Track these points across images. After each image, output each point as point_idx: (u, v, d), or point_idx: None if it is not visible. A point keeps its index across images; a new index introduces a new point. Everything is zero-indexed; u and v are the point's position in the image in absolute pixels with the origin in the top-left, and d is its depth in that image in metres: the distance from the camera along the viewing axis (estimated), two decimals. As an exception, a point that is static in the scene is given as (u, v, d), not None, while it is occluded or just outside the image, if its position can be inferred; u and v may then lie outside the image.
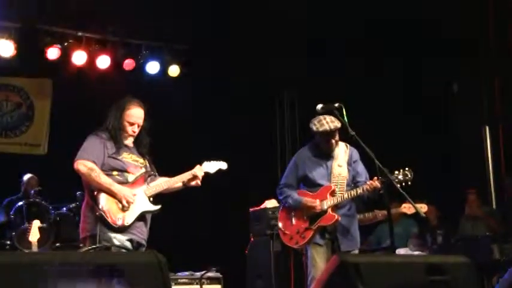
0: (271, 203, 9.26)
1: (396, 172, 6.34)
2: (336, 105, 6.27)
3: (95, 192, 5.79)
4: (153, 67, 10.79)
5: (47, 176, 9.01)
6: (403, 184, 6.29)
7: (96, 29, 10.35)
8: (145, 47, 10.77)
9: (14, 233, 8.01)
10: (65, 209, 8.77)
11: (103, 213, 5.71)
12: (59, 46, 10.04)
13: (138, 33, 10.53)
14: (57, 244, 8.41)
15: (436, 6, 9.46)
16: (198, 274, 8.26)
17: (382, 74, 10.33)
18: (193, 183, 6.18)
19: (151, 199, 5.96)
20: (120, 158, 5.91)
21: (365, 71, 10.29)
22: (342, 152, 6.83)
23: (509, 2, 9.80)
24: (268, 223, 8.93)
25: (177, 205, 9.45)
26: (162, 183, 6.04)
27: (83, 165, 5.80)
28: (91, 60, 10.35)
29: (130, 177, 5.93)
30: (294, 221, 6.83)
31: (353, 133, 6.15)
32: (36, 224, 7.36)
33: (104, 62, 10.40)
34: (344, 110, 6.22)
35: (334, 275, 3.48)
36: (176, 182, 6.13)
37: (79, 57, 10.25)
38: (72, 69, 10.30)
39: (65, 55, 10.16)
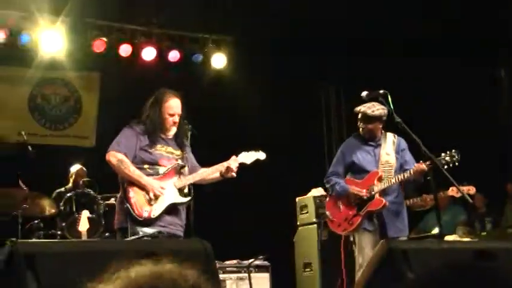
0: (317, 191, 9.26)
1: (443, 154, 6.33)
2: (381, 91, 6.26)
3: (125, 185, 5.87)
4: (198, 58, 10.80)
5: (95, 167, 9.09)
6: (450, 165, 6.27)
7: (141, 21, 10.40)
8: (190, 39, 10.79)
9: (64, 224, 8.11)
10: (113, 199, 8.84)
11: (129, 206, 5.77)
12: (105, 39, 10.12)
13: (183, 24, 10.55)
14: (106, 234, 8.50)
15: None
16: (245, 262, 8.29)
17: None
18: (228, 175, 6.14)
19: (184, 191, 5.98)
20: (151, 150, 5.95)
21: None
22: (390, 141, 6.85)
23: None
24: (315, 211, 8.94)
25: (225, 194, 9.53)
26: (195, 175, 6.04)
27: (114, 156, 5.88)
28: (136, 53, 10.41)
29: (162, 170, 5.96)
30: (341, 208, 6.85)
31: (399, 119, 6.14)
32: (85, 214, 7.48)
33: (149, 54, 10.45)
34: (389, 96, 6.20)
35: (381, 261, 3.47)
36: (209, 173, 6.12)
37: (125, 50, 10.32)
38: (118, 62, 10.38)
39: (111, 48, 10.23)
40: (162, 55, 10.53)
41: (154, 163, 5.95)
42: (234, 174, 6.14)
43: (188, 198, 6.00)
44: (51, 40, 9.77)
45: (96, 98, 11.13)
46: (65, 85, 11.09)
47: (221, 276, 7.84)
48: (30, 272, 2.81)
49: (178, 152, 6.09)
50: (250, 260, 8.28)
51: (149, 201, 5.82)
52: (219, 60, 10.85)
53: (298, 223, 9.25)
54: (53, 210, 8.33)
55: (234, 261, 8.38)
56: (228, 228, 9.60)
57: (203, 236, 3.56)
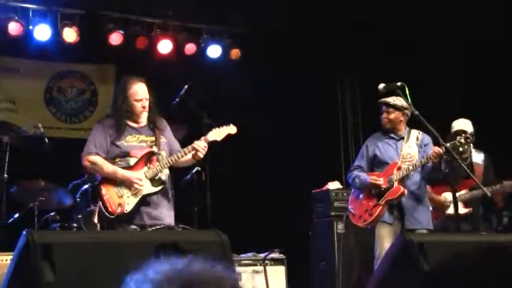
0: (334, 185, 9.26)
1: (458, 137, 6.40)
2: (399, 84, 6.25)
3: (98, 182, 5.84)
4: (214, 51, 10.79)
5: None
6: (466, 147, 6.46)
7: (157, 13, 10.39)
8: (206, 31, 10.78)
9: (80, 216, 8.14)
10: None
11: (101, 204, 5.72)
12: (121, 32, 10.13)
13: (199, 17, 10.54)
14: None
15: None
16: (261, 255, 8.29)
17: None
18: (196, 156, 5.97)
19: (157, 179, 5.84)
20: (120, 143, 5.86)
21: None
22: (414, 136, 6.98)
23: None
24: (331, 205, 8.92)
25: (240, 186, 9.52)
26: (165, 161, 5.87)
27: (86, 160, 5.89)
28: (153, 45, 10.42)
29: (133, 161, 5.86)
30: (363, 200, 6.94)
31: (417, 112, 6.15)
32: (101, 206, 7.48)
33: (165, 46, 10.45)
34: (407, 89, 6.19)
35: (398, 253, 3.46)
36: (178, 158, 5.94)
37: (141, 43, 10.32)
38: (135, 55, 10.38)
39: (127, 40, 10.24)
40: (178, 48, 10.52)
41: (125, 155, 5.85)
42: (201, 155, 5.95)
43: (160, 187, 5.86)
44: (67, 33, 9.78)
45: (111, 90, 11.13)
46: (81, 78, 11.11)
47: (237, 269, 7.84)
48: (47, 262, 2.82)
49: (153, 138, 5.97)
50: (266, 253, 8.28)
51: (121, 197, 5.73)
52: (234, 54, 10.84)
53: (314, 216, 9.24)
54: (69, 203, 8.36)
55: (250, 254, 8.38)
56: (243, 221, 9.60)
57: (219, 228, 3.55)
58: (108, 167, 5.78)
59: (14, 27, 9.52)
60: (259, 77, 10.42)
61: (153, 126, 6.03)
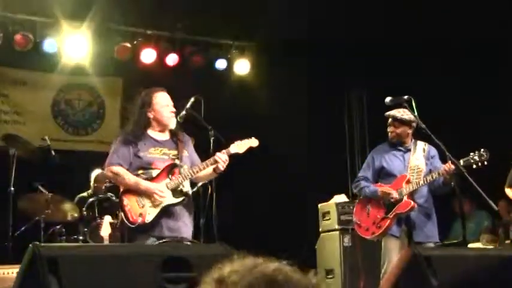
0: (340, 198, 9.24)
1: (472, 154, 6.36)
2: (406, 97, 6.26)
3: (120, 193, 5.87)
4: (221, 64, 10.83)
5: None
6: (479, 165, 6.31)
7: (164, 27, 10.42)
8: (213, 45, 10.81)
9: (86, 229, 8.13)
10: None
11: (123, 214, 5.75)
12: (128, 45, 10.16)
13: (206, 30, 10.56)
14: (129, 239, 8.52)
15: None
16: (267, 269, 8.26)
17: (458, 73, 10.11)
18: (217, 169, 5.96)
19: (179, 191, 5.85)
20: (143, 155, 5.87)
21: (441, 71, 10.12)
22: (421, 148, 6.93)
23: None
24: (337, 218, 8.90)
25: (247, 199, 9.52)
26: (186, 173, 5.88)
27: (110, 171, 5.90)
28: (160, 58, 10.45)
29: (155, 173, 5.88)
30: (370, 211, 6.89)
31: (423, 125, 6.14)
32: (107, 219, 7.50)
33: (172, 59, 10.48)
34: (413, 102, 6.19)
35: (406, 267, 3.45)
36: (200, 169, 5.95)
37: (148, 55, 10.35)
38: (142, 68, 10.40)
39: (135, 53, 10.27)
40: (184, 61, 10.55)
41: (148, 167, 5.87)
42: (221, 168, 5.94)
43: (182, 198, 5.86)
44: (75, 45, 9.83)
45: (119, 103, 11.17)
46: (88, 90, 11.15)
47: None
48: (53, 275, 2.82)
49: (175, 152, 5.98)
50: (272, 266, 8.25)
51: (142, 207, 5.76)
52: (242, 66, 10.87)
53: (320, 229, 9.22)
54: (75, 215, 8.36)
55: (256, 267, 8.35)
56: (250, 233, 9.59)
57: (225, 241, 3.55)
58: (130, 178, 5.81)
59: (21, 40, 9.58)
60: (265, 89, 10.44)
61: (175, 140, 6.06)
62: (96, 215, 8.22)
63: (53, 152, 8.32)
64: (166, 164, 5.90)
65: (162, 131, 6.06)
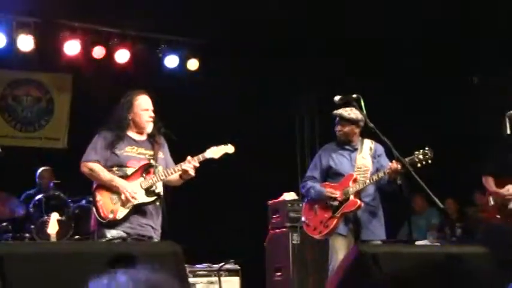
0: (289, 196, 9.28)
1: (416, 152, 6.39)
2: (354, 95, 6.28)
3: (93, 189, 5.93)
4: (171, 61, 10.80)
5: (67, 169, 9.03)
6: (424, 163, 6.33)
7: (115, 23, 10.36)
8: (164, 41, 10.78)
9: (33, 226, 8.05)
10: (84, 201, 8.81)
11: (95, 209, 5.83)
12: (78, 41, 10.08)
13: (157, 27, 10.52)
14: (76, 237, 8.45)
15: None
16: (216, 266, 8.28)
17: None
18: (185, 176, 6.06)
19: (151, 190, 5.91)
20: (120, 153, 5.95)
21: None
22: (367, 146, 6.94)
23: None
24: (286, 215, 8.93)
25: (195, 197, 9.49)
26: (159, 174, 5.95)
27: (85, 166, 5.97)
28: (110, 55, 10.38)
29: (130, 171, 5.96)
30: (317, 211, 6.90)
31: (371, 124, 6.17)
32: (54, 216, 7.42)
33: (122, 56, 10.42)
34: (362, 101, 6.22)
35: (352, 264, 3.48)
36: (174, 171, 6.03)
37: (98, 52, 10.28)
38: (92, 64, 10.33)
39: (85, 50, 10.19)
40: (135, 57, 10.50)
41: (122, 165, 5.93)
42: (192, 174, 6.00)
43: (153, 198, 5.93)
44: (23, 41, 9.70)
45: (68, 99, 11.08)
46: (37, 86, 11.02)
47: (191, 279, 7.82)
48: (-3, 274, 2.78)
49: (151, 152, 6.06)
50: (221, 264, 8.27)
51: (115, 204, 5.82)
52: (192, 64, 10.86)
53: (269, 227, 9.25)
54: (22, 212, 8.27)
55: (205, 265, 8.36)
56: (199, 231, 9.58)
57: (174, 239, 3.54)
58: (105, 175, 5.88)
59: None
60: (215, 88, 10.42)
61: (152, 141, 6.13)
62: (43, 212, 8.15)
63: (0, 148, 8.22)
64: (142, 164, 5.98)
65: (140, 132, 6.13)
